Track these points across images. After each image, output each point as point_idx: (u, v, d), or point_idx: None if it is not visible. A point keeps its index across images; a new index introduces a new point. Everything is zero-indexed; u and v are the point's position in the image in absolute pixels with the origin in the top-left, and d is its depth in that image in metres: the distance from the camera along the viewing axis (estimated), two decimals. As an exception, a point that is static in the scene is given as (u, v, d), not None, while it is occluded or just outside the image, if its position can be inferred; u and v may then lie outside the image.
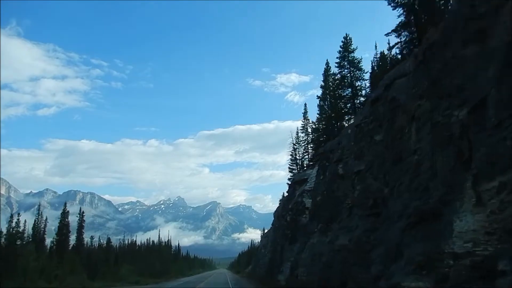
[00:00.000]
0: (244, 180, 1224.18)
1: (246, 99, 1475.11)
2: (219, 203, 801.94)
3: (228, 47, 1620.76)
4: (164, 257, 72.36)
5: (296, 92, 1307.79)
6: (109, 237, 71.76)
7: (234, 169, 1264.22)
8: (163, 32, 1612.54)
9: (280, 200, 37.55)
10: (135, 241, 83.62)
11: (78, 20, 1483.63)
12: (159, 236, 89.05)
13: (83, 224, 55.01)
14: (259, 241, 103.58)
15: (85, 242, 57.81)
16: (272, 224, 36.58)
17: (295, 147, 35.78)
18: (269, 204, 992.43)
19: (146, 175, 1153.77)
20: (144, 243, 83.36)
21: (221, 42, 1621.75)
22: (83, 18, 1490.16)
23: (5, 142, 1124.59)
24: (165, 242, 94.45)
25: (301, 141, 35.26)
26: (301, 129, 34.64)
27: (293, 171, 35.73)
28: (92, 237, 65.98)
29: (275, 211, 33.96)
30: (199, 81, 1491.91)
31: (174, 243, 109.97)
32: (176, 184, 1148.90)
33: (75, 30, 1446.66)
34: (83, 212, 55.87)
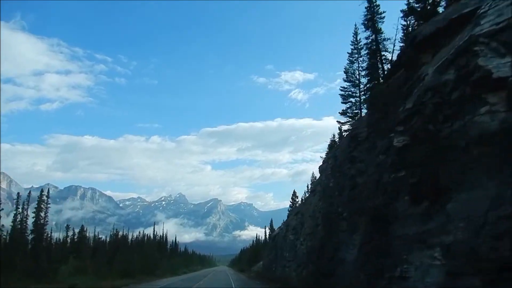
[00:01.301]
0: (245, 178, 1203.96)
1: (249, 97, 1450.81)
2: (220, 201, 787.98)
3: (233, 44, 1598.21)
4: (154, 253, 57.36)
5: (300, 90, 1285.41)
6: (83, 225, 57.85)
7: (236, 166, 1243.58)
8: (167, 29, 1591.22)
9: (340, 130, 21.56)
10: (126, 234, 69.16)
11: (83, 15, 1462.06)
12: (154, 230, 75.66)
13: (47, 215, 43.40)
14: (262, 237, 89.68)
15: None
16: (311, 191, 21.12)
17: (353, 58, 20.32)
18: (270, 202, 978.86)
19: (148, 171, 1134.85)
20: (136, 237, 69.27)
21: (226, 39, 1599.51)
22: (88, 13, 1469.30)
23: (8, 136, 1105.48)
24: (160, 236, 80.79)
25: (362, 46, 19.63)
26: (362, 23, 19.06)
27: (349, 101, 20.35)
28: (67, 226, 53.01)
29: (324, 160, 18.06)
30: (203, 78, 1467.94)
31: (175, 239, 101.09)
32: (178, 181, 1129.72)
33: (80, 25, 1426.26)
34: (46, 202, 42.34)
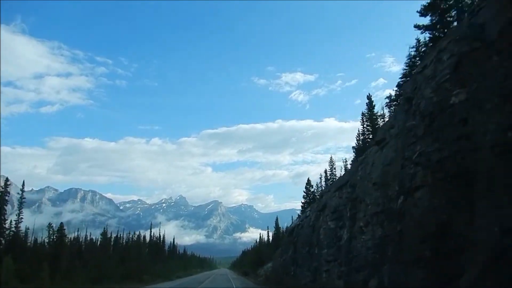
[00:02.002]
0: (246, 180, 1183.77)
1: (250, 98, 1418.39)
2: (221, 202, 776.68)
3: (233, 46, 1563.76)
4: (142, 256, 48.74)
5: (300, 91, 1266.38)
6: (62, 223, 49.59)
7: (236, 168, 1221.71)
8: (168, 31, 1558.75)
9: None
10: (121, 236, 61.53)
11: (84, 18, 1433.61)
12: (150, 231, 69.15)
13: (21, 211, 38.19)
14: (265, 238, 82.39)
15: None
16: (375, 143, 12.46)
17: None
18: (271, 203, 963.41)
19: (148, 173, 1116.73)
20: (131, 239, 61.33)
21: (226, 41, 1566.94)
22: (89, 15, 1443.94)
23: (9, 139, 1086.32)
24: (156, 237, 74.16)
25: None
26: None
27: None
28: (49, 225, 45.09)
29: (420, 66, 9.30)
30: (203, 79, 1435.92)
31: (173, 241, 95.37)
32: (178, 183, 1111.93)
33: (80, 28, 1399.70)
34: (21, 197, 39.09)
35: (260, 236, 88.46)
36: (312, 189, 42.13)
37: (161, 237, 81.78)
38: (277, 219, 75.35)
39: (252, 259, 68.74)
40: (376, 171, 11.87)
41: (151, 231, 71.54)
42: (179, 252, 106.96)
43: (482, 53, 6.85)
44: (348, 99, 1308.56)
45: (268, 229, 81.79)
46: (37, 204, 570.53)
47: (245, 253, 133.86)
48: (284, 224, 72.43)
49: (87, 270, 34.93)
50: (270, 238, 78.81)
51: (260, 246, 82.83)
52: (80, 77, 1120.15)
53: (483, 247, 6.17)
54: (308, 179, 42.74)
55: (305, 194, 42.18)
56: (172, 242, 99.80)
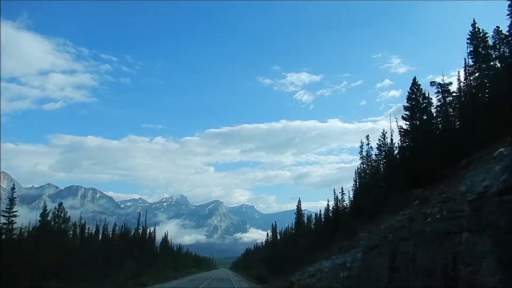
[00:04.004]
0: (248, 180, 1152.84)
1: (255, 98, 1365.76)
2: (222, 202, 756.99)
3: (239, 45, 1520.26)
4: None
5: (305, 92, 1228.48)
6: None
7: (238, 168, 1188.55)
8: (174, 29, 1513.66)
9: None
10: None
11: (89, 15, 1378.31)
12: (137, 224, 61.49)
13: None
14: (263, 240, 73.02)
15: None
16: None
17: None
18: (273, 204, 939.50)
19: (150, 172, 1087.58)
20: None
21: (232, 40, 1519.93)
22: (94, 12, 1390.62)
23: (12, 136, 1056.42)
24: (141, 228, 63.48)
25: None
26: None
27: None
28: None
29: None
30: (208, 78, 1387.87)
31: (165, 236, 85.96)
32: (180, 182, 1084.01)
33: (86, 25, 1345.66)
34: None
35: (273, 229, 70.38)
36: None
37: (149, 232, 67.86)
38: (299, 201, 57.30)
39: (265, 259, 48.33)
40: None
41: (138, 224, 61.25)
42: (173, 249, 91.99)
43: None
44: (353, 100, 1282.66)
45: (275, 224, 69.73)
46: (37, 201, 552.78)
47: (249, 252, 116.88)
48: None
49: None
50: (279, 235, 67.96)
51: (274, 244, 63.48)
52: (85, 75, 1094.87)
53: None
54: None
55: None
56: (163, 238, 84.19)
